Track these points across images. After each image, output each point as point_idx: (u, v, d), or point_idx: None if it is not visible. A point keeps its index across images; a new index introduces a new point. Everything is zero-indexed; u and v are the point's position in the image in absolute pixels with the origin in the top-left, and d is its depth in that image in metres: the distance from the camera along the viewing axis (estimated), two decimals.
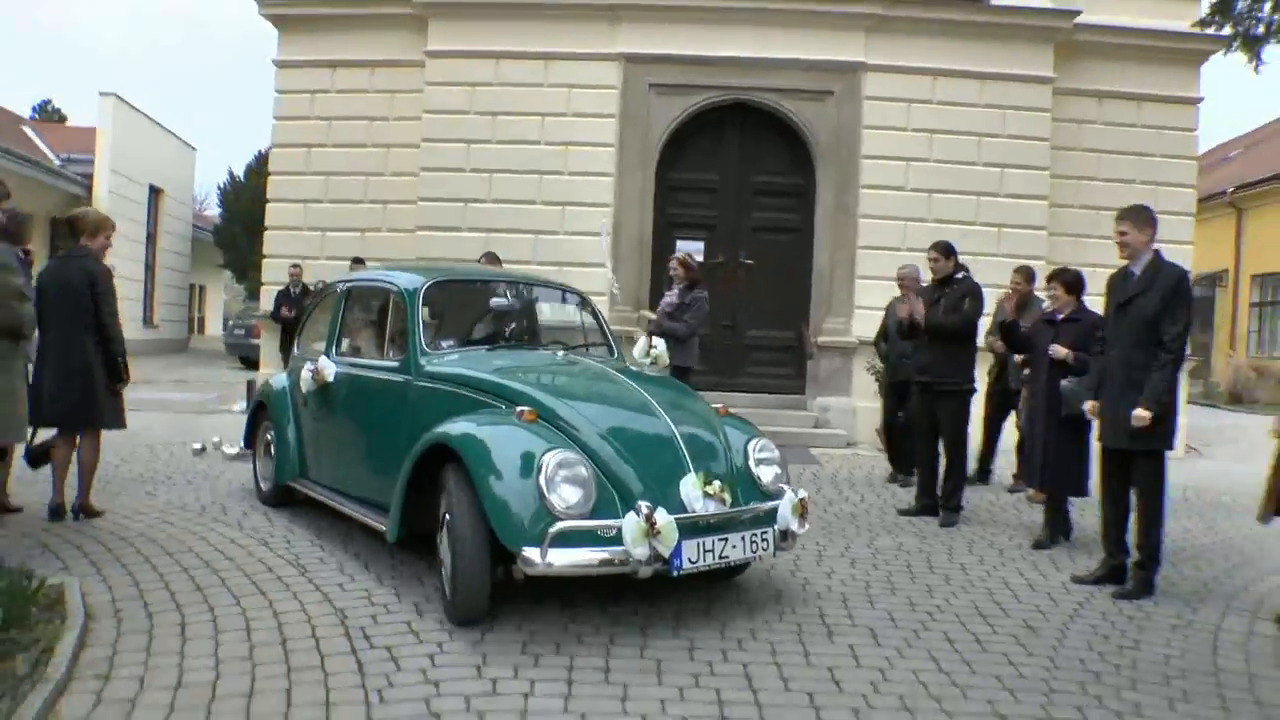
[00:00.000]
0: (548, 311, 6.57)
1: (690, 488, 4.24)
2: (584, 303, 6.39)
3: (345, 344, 6.34)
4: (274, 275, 13.46)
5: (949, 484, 7.21)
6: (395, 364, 5.51)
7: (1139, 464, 5.33)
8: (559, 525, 3.96)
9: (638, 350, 5.95)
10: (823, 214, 11.89)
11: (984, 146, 11.86)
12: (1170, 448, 5.34)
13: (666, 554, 3.98)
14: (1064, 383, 5.98)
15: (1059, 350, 6.14)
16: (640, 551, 3.94)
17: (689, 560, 4.08)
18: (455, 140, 12.38)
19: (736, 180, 12.19)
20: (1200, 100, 12.77)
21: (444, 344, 5.59)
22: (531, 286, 6.56)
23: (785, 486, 4.70)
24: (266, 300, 13.55)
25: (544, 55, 12.31)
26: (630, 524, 3.97)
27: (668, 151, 12.19)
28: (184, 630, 4.07)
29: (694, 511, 4.19)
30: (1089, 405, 5.55)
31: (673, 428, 4.48)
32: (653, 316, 8.45)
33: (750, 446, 4.82)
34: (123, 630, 4.03)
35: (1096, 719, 3.58)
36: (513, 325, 6.19)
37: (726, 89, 12.05)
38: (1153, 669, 4.17)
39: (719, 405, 5.16)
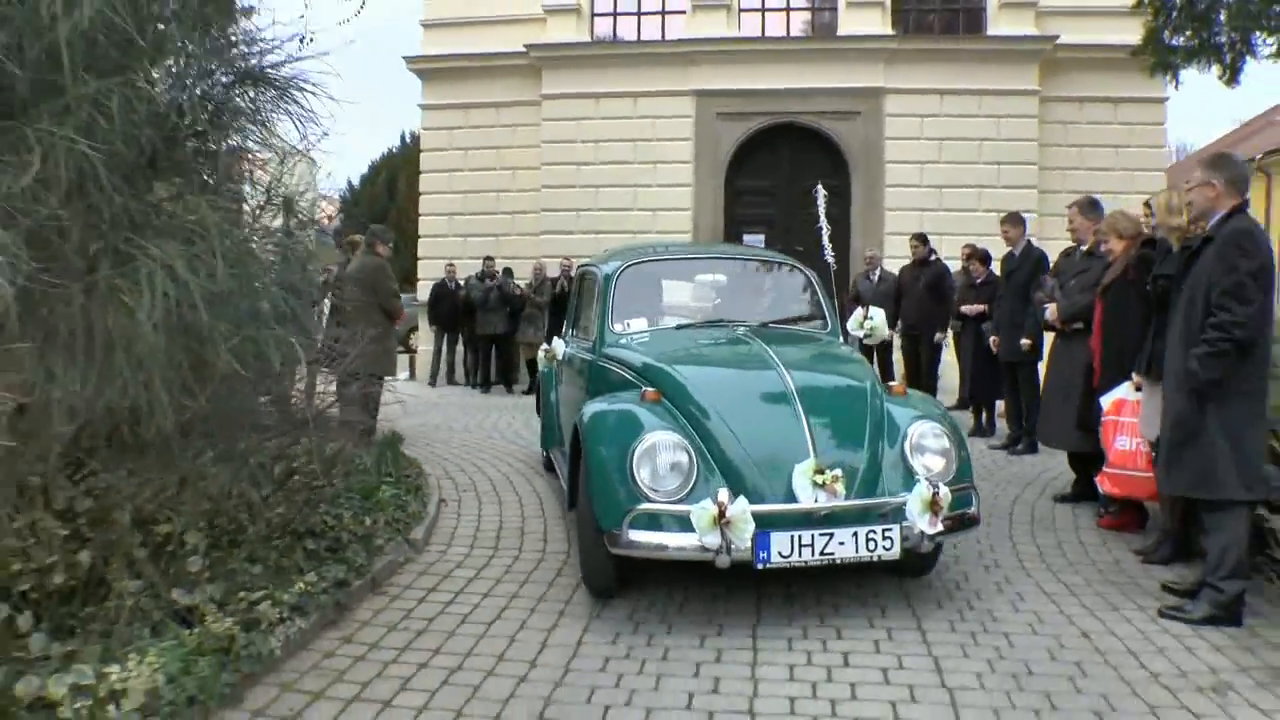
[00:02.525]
0: (764, 285, 6.40)
1: (800, 476, 3.96)
2: (803, 275, 6.17)
3: (579, 325, 6.76)
4: (429, 273, 17.04)
5: None
6: (590, 344, 5.83)
7: (1021, 371, 8.62)
8: (641, 507, 3.95)
9: (852, 323, 5.54)
10: (857, 209, 15.21)
11: (984, 149, 14.99)
12: (1040, 359, 8.57)
13: (742, 545, 3.80)
14: (984, 325, 9.23)
15: (975, 307, 9.40)
16: (710, 540, 3.80)
17: (779, 554, 3.84)
18: (567, 163, 15.96)
19: (787, 184, 15.52)
20: (1166, 99, 15.64)
21: (632, 325, 5.62)
22: (746, 262, 6.70)
23: (922, 478, 4.15)
24: (423, 293, 17.10)
25: (634, 93, 15.82)
26: (698, 511, 3.83)
27: (733, 164, 15.62)
28: (479, 468, 7.72)
29: (800, 502, 3.94)
30: (992, 340, 8.85)
31: (801, 411, 4.19)
32: None
33: (912, 430, 4.36)
34: (444, 467, 7.67)
35: None
36: (717, 302, 6.17)
37: (777, 113, 15.43)
38: (1000, 475, 7.50)
39: (895, 384, 4.89)
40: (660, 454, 4.08)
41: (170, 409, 3.02)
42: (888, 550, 3.97)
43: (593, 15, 16.58)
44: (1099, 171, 15.29)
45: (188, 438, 3.57)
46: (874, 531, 3.95)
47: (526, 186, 16.54)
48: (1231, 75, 11.67)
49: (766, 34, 15.94)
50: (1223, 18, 11.97)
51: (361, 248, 8.89)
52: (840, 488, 3.96)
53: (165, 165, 3.44)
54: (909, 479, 4.20)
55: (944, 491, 4.08)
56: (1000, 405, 9.53)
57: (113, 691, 2.94)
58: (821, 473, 3.96)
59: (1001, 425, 9.54)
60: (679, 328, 5.64)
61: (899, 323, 10.72)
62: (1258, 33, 11.03)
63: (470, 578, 4.82)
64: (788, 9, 16.02)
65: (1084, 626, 4.21)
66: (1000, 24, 15.43)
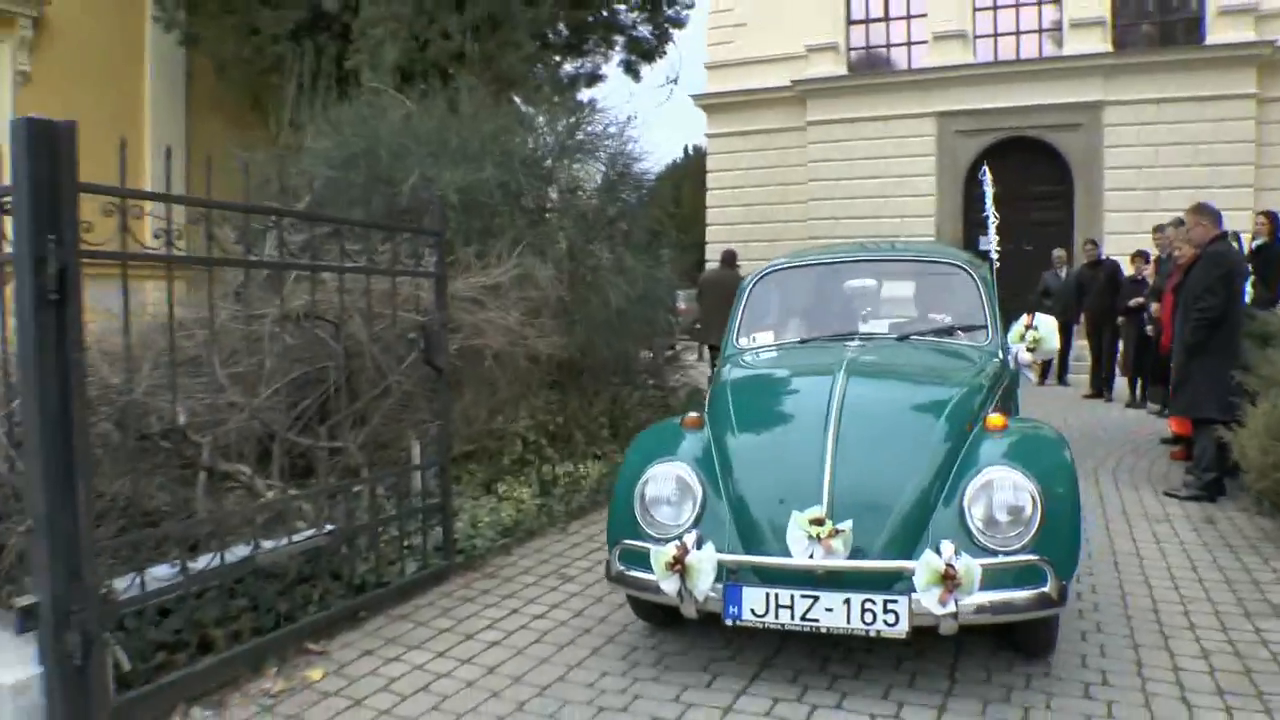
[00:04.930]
0: (921, 291, 5.68)
1: (794, 526, 3.39)
2: (969, 278, 5.22)
3: None
4: None
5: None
6: None
7: None
8: (627, 541, 3.69)
9: (1012, 334, 5.02)
10: (1079, 210, 17.47)
11: (1199, 152, 16.78)
12: None
13: (698, 595, 3.39)
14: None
15: (1136, 300, 11.74)
16: (668, 585, 3.43)
17: (751, 612, 3.36)
18: (829, 179, 19.15)
19: (1018, 190, 17.90)
20: None
21: (758, 338, 5.19)
22: (904, 264, 5.93)
23: (944, 542, 3.31)
24: None
25: (884, 117, 18.80)
26: (656, 552, 3.46)
27: (969, 174, 18.23)
28: None
29: (793, 555, 3.38)
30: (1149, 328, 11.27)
31: (828, 448, 3.56)
32: None
33: (979, 477, 3.50)
34: None
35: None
36: (866, 310, 5.42)
37: (1007, 129, 17.99)
38: (1144, 429, 10.08)
39: (995, 415, 3.89)
40: (658, 485, 3.73)
41: (605, 352, 6.81)
42: (890, 625, 3.27)
43: (848, 50, 19.66)
44: None
45: (605, 370, 7.38)
46: (871, 601, 3.27)
47: (795, 199, 19.86)
48: None
49: (999, 58, 18.38)
50: None
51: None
52: (838, 544, 3.33)
53: (601, 235, 7.33)
54: (969, 539, 3.40)
55: (964, 563, 3.23)
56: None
57: (581, 477, 6.60)
58: (820, 523, 3.35)
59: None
60: (803, 342, 5.06)
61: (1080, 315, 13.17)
62: None
63: None
64: (1017, 33, 18.41)
65: (1108, 498, 6.98)
66: (1219, 32, 17.08)
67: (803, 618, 3.33)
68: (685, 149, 30.88)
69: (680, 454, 3.85)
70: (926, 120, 18.52)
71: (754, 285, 5.43)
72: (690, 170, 26.16)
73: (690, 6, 14.38)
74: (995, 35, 18.55)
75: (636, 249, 8.01)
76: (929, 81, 18.44)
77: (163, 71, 12.54)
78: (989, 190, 7.19)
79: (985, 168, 7.54)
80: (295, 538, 3.89)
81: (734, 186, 20.77)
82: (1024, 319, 5.12)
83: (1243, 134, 16.75)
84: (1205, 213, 7.32)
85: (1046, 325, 5.13)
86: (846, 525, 3.35)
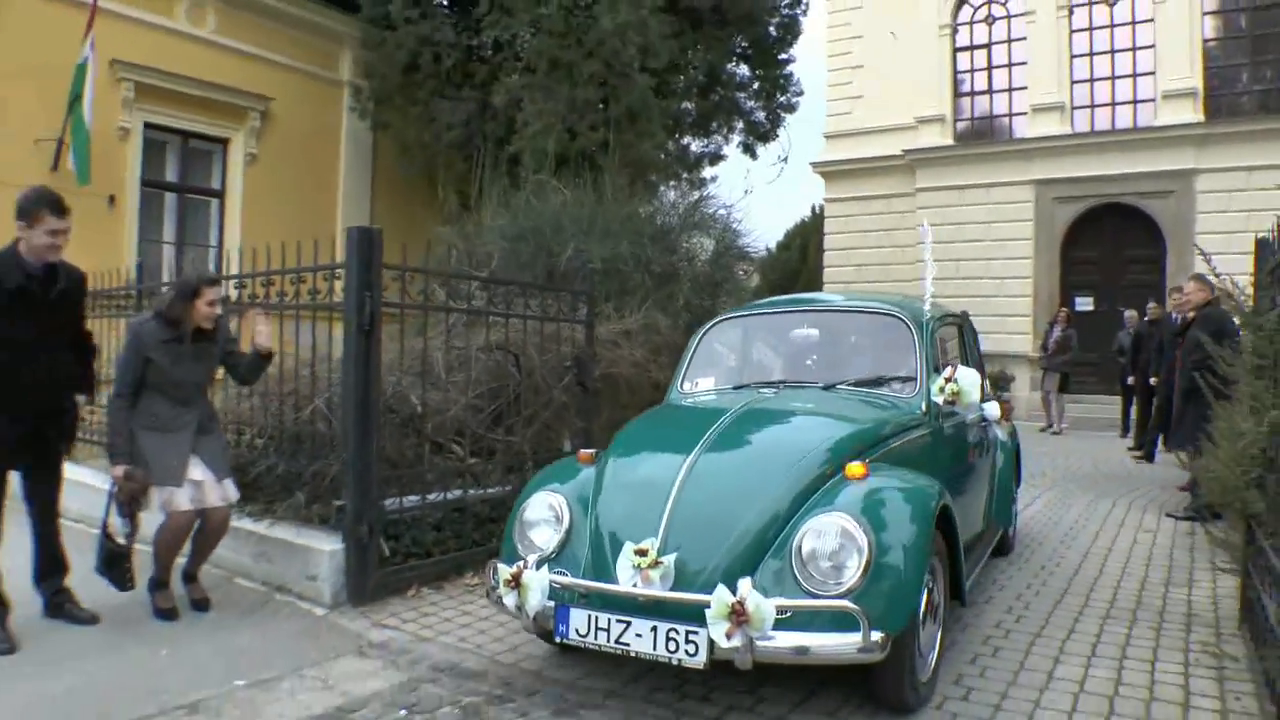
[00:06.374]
0: (859, 341, 5.68)
1: (623, 555, 3.58)
2: (906, 330, 5.19)
3: None
4: None
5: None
6: None
7: None
8: (493, 562, 4.01)
9: (934, 387, 4.93)
10: (1170, 273, 18.51)
11: None
12: None
13: (529, 610, 3.66)
14: None
15: None
16: (508, 601, 3.76)
17: (576, 632, 3.58)
18: (937, 242, 19.86)
19: (1112, 254, 19.23)
20: None
21: (701, 384, 5.43)
22: (846, 315, 5.90)
23: (748, 579, 3.39)
24: None
25: (986, 184, 20.31)
26: (501, 568, 3.84)
27: (1066, 239, 19.62)
28: None
29: (619, 583, 3.55)
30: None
31: (676, 485, 3.74)
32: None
33: (811, 523, 3.56)
34: None
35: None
36: (807, 360, 5.65)
37: (1103, 195, 19.25)
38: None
39: (858, 463, 3.86)
40: (532, 511, 4.06)
41: None
42: (691, 655, 3.39)
43: (954, 122, 21.30)
44: None
45: None
46: (675, 630, 3.41)
47: (905, 260, 21.44)
48: None
49: (1095, 128, 19.74)
50: None
51: None
52: (655, 575, 3.49)
53: (713, 288, 9.30)
54: (795, 580, 3.49)
55: (755, 601, 3.30)
56: None
57: None
58: (644, 554, 3.53)
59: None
60: (737, 388, 5.23)
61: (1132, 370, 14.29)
62: None
63: None
64: (1112, 104, 19.71)
65: (1114, 515, 8.44)
66: None
67: (616, 641, 3.49)
68: (812, 208, 33.04)
69: (565, 485, 4.13)
70: (1026, 188, 19.94)
71: (703, 335, 5.71)
72: (816, 228, 28.21)
73: (800, 94, 16.31)
74: (1092, 106, 19.86)
75: (740, 305, 10.03)
76: (1029, 151, 19.87)
77: (354, 151, 15.09)
78: (928, 243, 7.13)
79: (925, 222, 7.96)
80: (488, 490, 5.93)
81: (849, 248, 22.53)
82: (946, 371, 4.99)
83: None
84: (1200, 281, 8.84)
85: (967, 379, 4.96)
86: (668, 558, 3.51)
